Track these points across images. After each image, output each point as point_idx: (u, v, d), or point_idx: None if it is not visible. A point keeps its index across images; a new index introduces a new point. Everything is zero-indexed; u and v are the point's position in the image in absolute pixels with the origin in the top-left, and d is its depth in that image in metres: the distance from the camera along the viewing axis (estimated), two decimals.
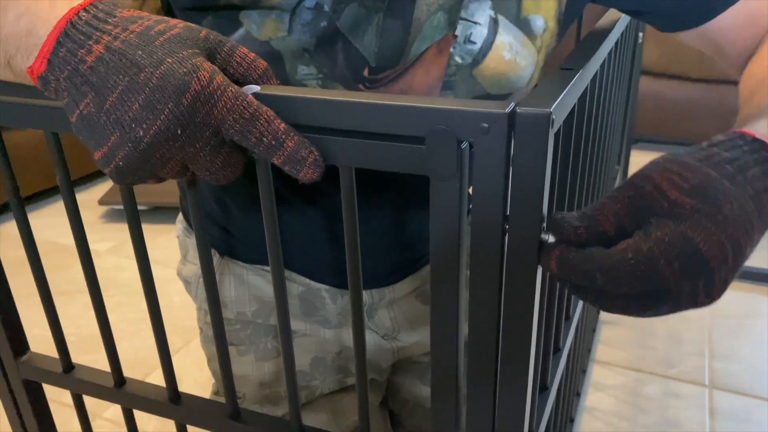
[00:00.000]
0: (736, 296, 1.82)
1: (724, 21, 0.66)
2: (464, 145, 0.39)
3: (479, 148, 0.39)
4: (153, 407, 0.64)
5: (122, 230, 2.31)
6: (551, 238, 0.41)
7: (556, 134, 0.42)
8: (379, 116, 0.41)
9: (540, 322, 0.52)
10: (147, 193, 2.32)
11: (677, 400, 1.44)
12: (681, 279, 0.38)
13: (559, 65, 0.48)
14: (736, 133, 0.44)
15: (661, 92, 2.77)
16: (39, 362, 0.68)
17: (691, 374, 1.52)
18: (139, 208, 2.37)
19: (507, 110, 0.37)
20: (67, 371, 0.67)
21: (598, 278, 0.39)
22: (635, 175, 0.42)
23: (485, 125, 0.38)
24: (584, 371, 1.45)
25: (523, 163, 0.38)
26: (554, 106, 0.37)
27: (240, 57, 0.45)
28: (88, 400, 0.70)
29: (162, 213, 2.35)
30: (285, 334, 0.54)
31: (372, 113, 0.41)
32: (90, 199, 2.54)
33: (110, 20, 0.42)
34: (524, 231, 0.40)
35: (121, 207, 2.41)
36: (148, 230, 2.29)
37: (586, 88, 0.54)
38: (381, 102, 0.41)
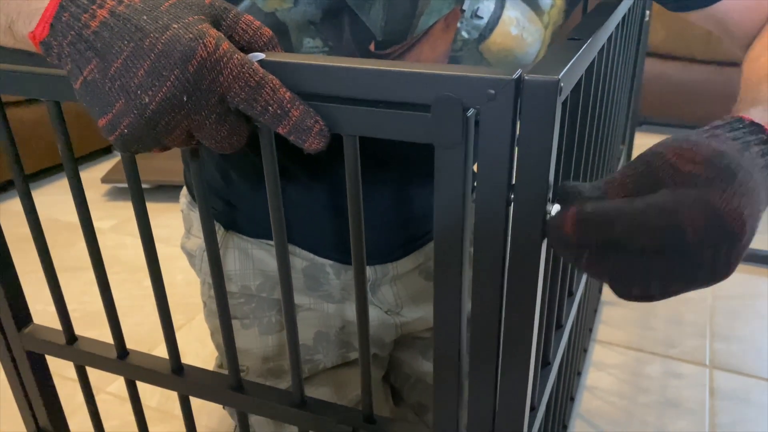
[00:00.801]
0: (737, 278, 1.82)
1: (731, 2, 0.66)
2: (470, 112, 0.39)
3: (485, 115, 0.38)
4: (156, 379, 0.64)
5: (125, 208, 2.31)
6: (556, 209, 0.40)
7: (564, 103, 0.42)
8: (383, 83, 0.40)
9: (543, 297, 0.52)
10: (150, 171, 2.32)
11: (677, 379, 1.44)
12: (703, 241, 0.37)
13: (567, 36, 0.47)
14: (734, 117, 0.44)
15: (666, 74, 2.75)
16: (42, 334, 0.68)
17: (692, 354, 1.52)
18: (143, 186, 2.36)
19: (514, 76, 0.36)
20: (70, 343, 0.67)
21: (617, 227, 0.38)
22: (645, 152, 0.42)
23: (492, 91, 0.37)
24: (585, 350, 1.45)
25: (529, 132, 0.37)
26: (562, 73, 0.36)
27: (245, 24, 0.45)
28: (92, 374, 0.70)
29: (165, 191, 2.35)
30: (288, 307, 0.54)
31: (377, 80, 0.40)
32: (93, 177, 2.54)
33: None
34: (530, 200, 0.39)
35: (124, 185, 2.41)
36: (151, 208, 2.29)
37: (593, 60, 0.54)
38: (386, 68, 0.40)
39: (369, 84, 0.41)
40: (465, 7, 0.64)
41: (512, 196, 0.40)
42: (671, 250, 0.37)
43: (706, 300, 1.73)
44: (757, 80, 0.55)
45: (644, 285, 0.39)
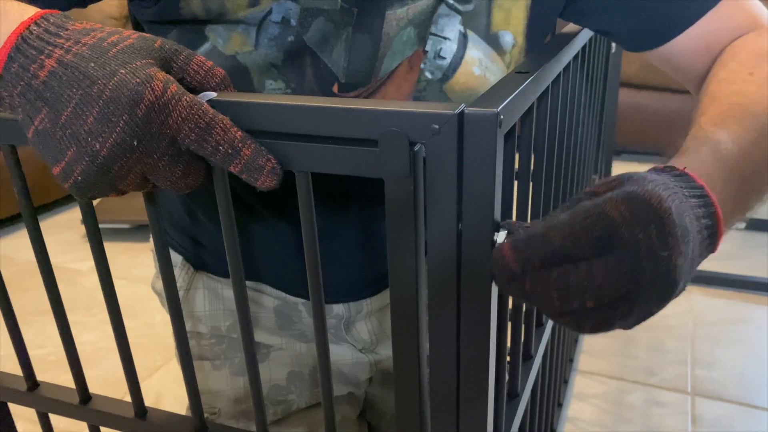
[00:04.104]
0: (717, 303, 1.82)
1: (684, 45, 0.69)
2: (417, 146, 0.39)
3: (431, 149, 0.39)
4: (119, 423, 0.63)
5: (105, 249, 2.30)
6: (501, 237, 0.40)
7: (509, 134, 0.42)
8: (332, 120, 0.41)
9: (502, 327, 0.52)
10: (130, 211, 2.31)
11: (660, 408, 1.44)
12: (632, 224, 0.37)
13: (515, 69, 0.48)
14: (654, 167, 0.45)
15: (641, 104, 2.79)
16: (3, 381, 0.67)
17: (674, 382, 1.52)
18: (122, 226, 2.35)
19: (456, 111, 0.37)
20: (31, 389, 0.66)
21: (554, 238, 0.38)
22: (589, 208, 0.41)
23: (436, 126, 0.38)
24: (566, 381, 1.44)
25: (473, 162, 0.38)
26: (502, 106, 0.37)
27: (197, 65, 0.45)
28: (64, 419, 0.69)
29: (145, 231, 2.34)
30: (249, 350, 0.53)
31: (326, 117, 0.41)
32: (72, 218, 2.53)
33: (62, 33, 0.42)
34: (477, 229, 0.40)
35: (104, 225, 2.40)
36: (131, 248, 2.28)
37: (546, 91, 0.55)
38: (334, 105, 0.41)
39: (318, 121, 0.41)
40: (428, 48, 0.65)
41: (461, 226, 0.40)
42: (607, 247, 0.37)
43: (686, 326, 1.73)
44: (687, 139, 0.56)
45: (591, 293, 0.38)
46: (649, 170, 0.45)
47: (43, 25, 0.42)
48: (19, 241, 2.28)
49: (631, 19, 0.69)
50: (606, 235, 0.37)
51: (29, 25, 0.41)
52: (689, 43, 0.68)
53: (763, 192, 0.53)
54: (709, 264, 1.85)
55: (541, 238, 0.38)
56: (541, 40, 0.72)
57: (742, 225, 2.22)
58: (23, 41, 0.41)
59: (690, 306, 1.82)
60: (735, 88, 0.60)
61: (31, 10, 0.43)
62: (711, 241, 0.43)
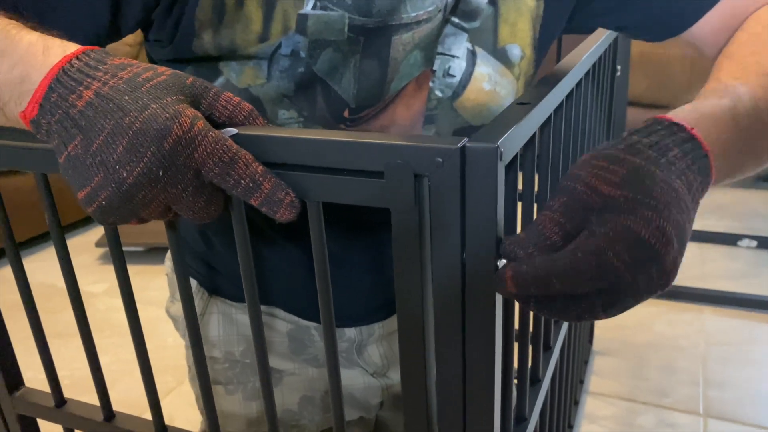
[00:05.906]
0: (729, 324, 1.82)
1: (704, 27, 0.69)
2: (422, 179, 0.41)
3: (435, 181, 0.40)
4: None
5: None
6: (504, 263, 0.42)
7: (510, 165, 0.44)
8: (341, 153, 0.43)
9: (508, 350, 0.53)
10: (143, 234, 2.34)
11: (672, 429, 1.43)
12: (633, 270, 0.39)
13: (516, 99, 0.50)
14: (654, 119, 0.47)
15: None
16: (33, 397, 0.70)
17: (686, 403, 1.51)
18: (136, 249, 2.38)
19: (458, 145, 0.39)
20: (59, 406, 0.69)
21: (556, 283, 0.40)
22: (565, 177, 0.44)
23: (439, 160, 0.39)
24: (577, 403, 1.44)
25: (476, 194, 0.40)
26: (501, 140, 0.39)
27: (225, 101, 0.47)
28: None
29: (158, 254, 2.36)
30: (264, 376, 0.55)
31: (335, 150, 0.43)
32: (87, 241, 2.56)
33: (101, 67, 0.44)
34: (481, 258, 0.41)
35: None
36: (145, 271, 2.30)
37: (548, 119, 0.56)
38: (343, 139, 0.42)
39: (328, 153, 0.43)
40: (436, 67, 0.67)
41: (465, 256, 0.41)
42: (609, 287, 0.40)
43: (698, 347, 1.72)
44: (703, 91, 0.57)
45: (591, 316, 0.42)
46: (658, 120, 0.46)
47: (84, 59, 0.44)
48: (34, 264, 2.31)
49: (647, 12, 0.70)
50: (609, 281, 0.40)
51: (71, 59, 0.44)
52: (708, 25, 0.69)
53: (761, 157, 0.54)
54: (721, 284, 1.86)
55: (543, 280, 0.40)
56: (548, 50, 0.73)
57: (754, 244, 2.21)
58: (64, 73, 0.44)
59: (701, 326, 1.81)
60: (755, 48, 0.61)
61: (73, 46, 0.45)
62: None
